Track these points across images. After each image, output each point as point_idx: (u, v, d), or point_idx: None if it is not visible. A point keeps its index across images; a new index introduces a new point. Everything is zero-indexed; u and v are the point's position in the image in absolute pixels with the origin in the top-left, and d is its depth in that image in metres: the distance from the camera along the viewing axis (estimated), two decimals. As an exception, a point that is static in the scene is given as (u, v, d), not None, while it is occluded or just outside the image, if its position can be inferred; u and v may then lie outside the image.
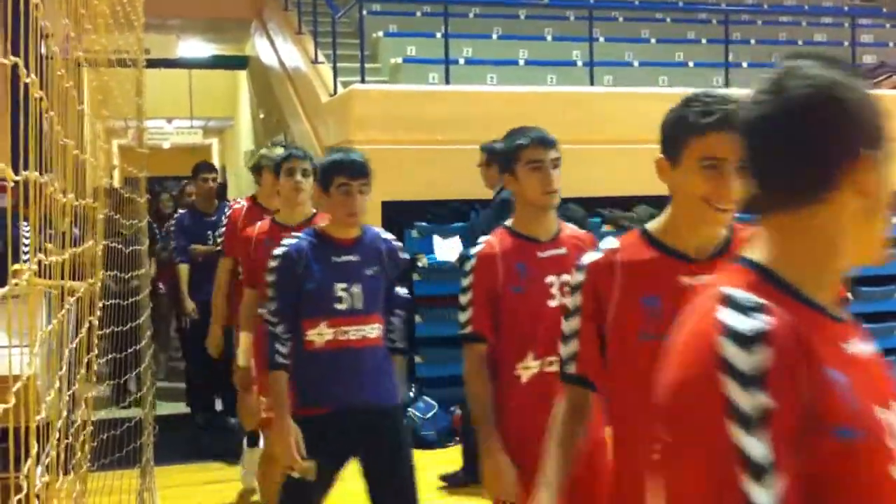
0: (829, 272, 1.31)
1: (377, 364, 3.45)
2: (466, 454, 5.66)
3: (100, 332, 4.18)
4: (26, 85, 1.59)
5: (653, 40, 10.98)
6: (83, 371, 3.21)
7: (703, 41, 10.97)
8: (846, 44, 10.47)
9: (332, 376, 3.38)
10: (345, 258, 3.41)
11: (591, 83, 8.48)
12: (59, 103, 1.99)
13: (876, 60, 10.63)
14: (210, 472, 6.00)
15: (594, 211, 7.21)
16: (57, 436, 2.12)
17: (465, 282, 2.94)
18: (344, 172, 3.35)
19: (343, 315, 3.37)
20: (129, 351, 5.36)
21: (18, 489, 1.64)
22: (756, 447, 1.15)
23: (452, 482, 5.65)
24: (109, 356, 4.79)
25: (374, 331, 3.43)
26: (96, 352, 3.91)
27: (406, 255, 3.72)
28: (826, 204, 1.26)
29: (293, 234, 3.62)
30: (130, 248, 5.21)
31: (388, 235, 3.67)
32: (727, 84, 8.91)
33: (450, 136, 7.06)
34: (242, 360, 4.48)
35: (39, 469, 1.92)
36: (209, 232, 6.88)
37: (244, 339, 4.49)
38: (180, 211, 7.58)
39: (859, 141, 1.26)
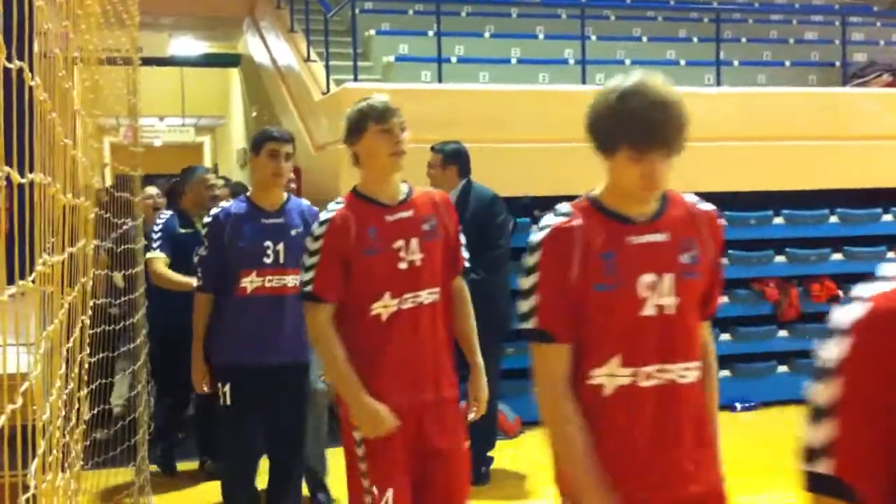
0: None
1: None
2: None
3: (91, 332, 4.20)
4: (20, 85, 1.60)
5: (644, 39, 11.01)
6: (76, 370, 3.21)
7: (695, 40, 11.00)
8: (836, 42, 10.51)
9: None
10: None
11: (584, 82, 8.50)
12: (58, 103, 2.00)
13: (866, 59, 10.67)
14: (206, 471, 5.99)
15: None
16: (58, 434, 2.13)
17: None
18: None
19: None
20: (124, 350, 5.38)
21: (17, 488, 1.65)
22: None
23: None
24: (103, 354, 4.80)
25: None
26: (88, 350, 3.92)
27: None
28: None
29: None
30: (122, 247, 5.22)
31: None
32: (718, 82, 8.93)
33: (442, 135, 7.05)
34: None
35: (33, 467, 1.93)
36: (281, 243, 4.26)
37: None
38: (223, 204, 4.62)
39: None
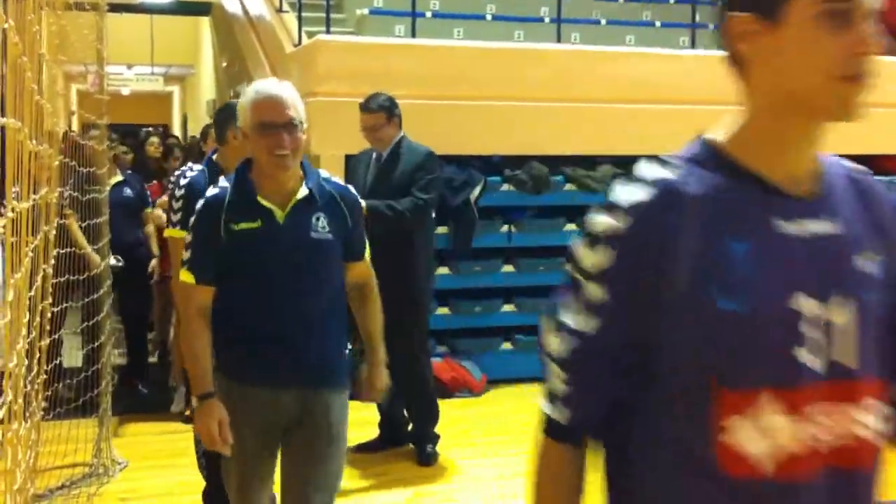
0: None
1: None
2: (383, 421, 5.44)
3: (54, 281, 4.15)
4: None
5: (620, -1, 10.95)
6: (38, 319, 3.18)
7: (671, 1, 10.96)
8: (811, 8, 10.49)
9: None
10: None
11: (559, 40, 8.45)
12: (27, 47, 1.95)
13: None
14: (166, 423, 5.98)
15: (557, 169, 7.22)
16: (21, 383, 2.11)
17: None
18: None
19: None
20: (88, 300, 5.34)
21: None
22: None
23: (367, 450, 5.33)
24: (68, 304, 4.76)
25: None
26: (50, 300, 3.89)
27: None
28: None
29: None
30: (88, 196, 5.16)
31: None
32: (693, 45, 8.92)
33: (414, 91, 7.00)
34: None
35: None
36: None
37: None
38: (633, 185, 1.47)
39: None
